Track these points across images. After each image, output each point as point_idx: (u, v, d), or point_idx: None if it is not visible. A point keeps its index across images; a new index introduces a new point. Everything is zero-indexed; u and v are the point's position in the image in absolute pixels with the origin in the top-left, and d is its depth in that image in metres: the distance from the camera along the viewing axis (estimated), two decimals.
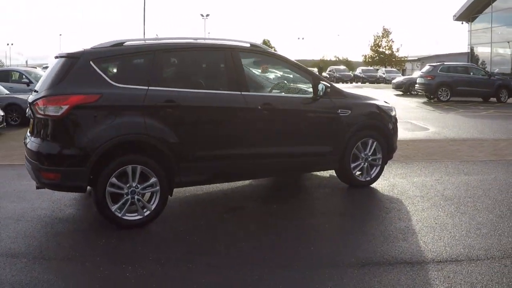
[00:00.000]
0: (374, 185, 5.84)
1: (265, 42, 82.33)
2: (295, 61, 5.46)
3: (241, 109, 4.89)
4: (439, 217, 4.66)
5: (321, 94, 5.23)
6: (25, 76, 16.29)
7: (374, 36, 57.69)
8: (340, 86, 7.50)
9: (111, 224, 4.38)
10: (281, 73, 6.01)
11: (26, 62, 66.94)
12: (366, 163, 5.80)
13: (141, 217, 4.46)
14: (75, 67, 4.35)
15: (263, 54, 5.37)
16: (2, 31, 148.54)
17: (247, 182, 5.96)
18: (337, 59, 77.89)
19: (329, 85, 5.41)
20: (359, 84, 42.39)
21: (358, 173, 5.78)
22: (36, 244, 4.04)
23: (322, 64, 63.05)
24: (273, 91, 5.48)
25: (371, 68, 51.46)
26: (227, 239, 4.15)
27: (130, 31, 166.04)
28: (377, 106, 5.95)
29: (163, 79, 4.66)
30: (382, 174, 5.95)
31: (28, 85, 15.56)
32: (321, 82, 5.31)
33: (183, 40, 5.02)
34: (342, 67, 52.89)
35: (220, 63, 4.98)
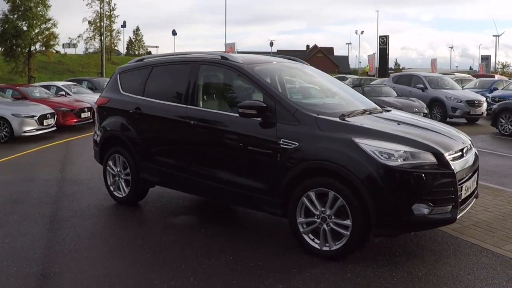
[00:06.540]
0: None
1: None
2: (260, 78, 4.39)
3: (179, 123, 4.82)
4: None
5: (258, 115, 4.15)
6: (423, 80, 16.27)
7: None
8: None
9: None
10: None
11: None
12: (325, 225, 3.87)
13: (121, 196, 5.63)
14: (111, 79, 6.02)
15: (225, 67, 4.69)
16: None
17: None
18: None
19: (280, 106, 4.12)
20: None
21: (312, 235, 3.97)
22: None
23: None
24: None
25: None
26: None
27: None
28: (354, 144, 3.70)
29: (145, 89, 5.37)
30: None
31: (423, 90, 15.86)
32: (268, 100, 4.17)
33: (168, 55, 5.44)
34: None
35: (183, 76, 4.96)
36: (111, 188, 5.74)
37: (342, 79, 35.53)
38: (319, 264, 3.83)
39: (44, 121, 11.55)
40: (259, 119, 4.20)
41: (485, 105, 14.86)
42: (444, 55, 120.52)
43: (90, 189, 6.39)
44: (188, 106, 4.82)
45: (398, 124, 4.24)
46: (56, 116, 12.18)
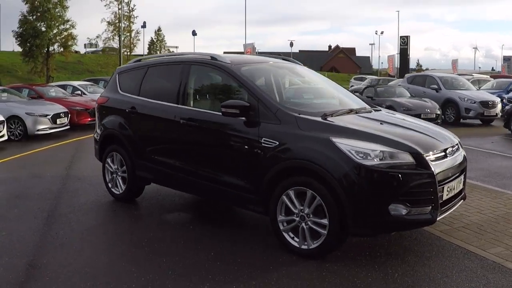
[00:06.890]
0: None
1: None
2: (245, 78, 4.46)
3: (170, 122, 4.95)
4: None
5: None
6: (437, 81, 16.01)
7: None
8: None
9: None
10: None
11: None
12: (303, 224, 3.93)
13: (119, 193, 5.80)
14: (111, 79, 6.20)
15: (214, 68, 4.79)
16: None
17: None
18: None
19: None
20: None
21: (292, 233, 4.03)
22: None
23: None
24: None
25: None
26: None
27: None
28: (331, 143, 3.74)
29: (141, 89, 5.51)
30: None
31: (437, 91, 15.60)
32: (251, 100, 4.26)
33: (164, 56, 5.56)
34: None
35: (175, 76, 5.08)
36: (109, 185, 5.92)
37: (361, 79, 35.42)
38: (298, 262, 3.89)
39: (58, 120, 11.88)
40: (243, 118, 4.29)
41: (499, 106, 14.57)
42: (468, 56, 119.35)
43: (92, 186, 6.58)
44: (179, 106, 4.94)
45: (381, 124, 4.26)
46: (70, 115, 12.51)
